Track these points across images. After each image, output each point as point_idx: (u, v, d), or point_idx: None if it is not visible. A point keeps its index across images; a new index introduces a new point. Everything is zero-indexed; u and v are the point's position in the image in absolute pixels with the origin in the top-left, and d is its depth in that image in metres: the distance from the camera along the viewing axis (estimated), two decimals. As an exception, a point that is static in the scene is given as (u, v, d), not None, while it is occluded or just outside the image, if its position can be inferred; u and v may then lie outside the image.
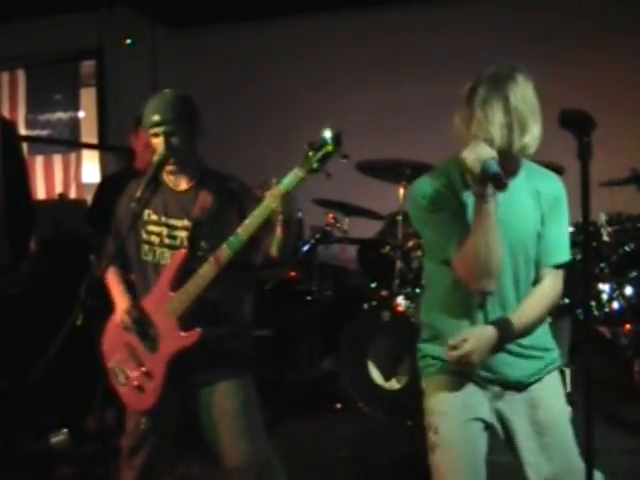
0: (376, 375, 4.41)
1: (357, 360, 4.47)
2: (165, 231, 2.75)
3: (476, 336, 2.26)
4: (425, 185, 2.38)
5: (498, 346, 2.29)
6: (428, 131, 6.26)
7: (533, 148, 2.24)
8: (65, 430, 4.00)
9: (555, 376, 2.46)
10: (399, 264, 4.70)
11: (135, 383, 2.76)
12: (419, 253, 4.85)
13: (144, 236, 2.79)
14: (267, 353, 4.89)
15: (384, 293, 4.79)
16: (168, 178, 2.79)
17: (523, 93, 2.21)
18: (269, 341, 5.02)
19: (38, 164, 7.59)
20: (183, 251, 2.68)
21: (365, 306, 4.65)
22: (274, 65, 6.94)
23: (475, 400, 2.38)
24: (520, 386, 2.39)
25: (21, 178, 4.68)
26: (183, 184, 2.78)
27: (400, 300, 4.50)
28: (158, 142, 2.69)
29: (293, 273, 5.25)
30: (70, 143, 7.69)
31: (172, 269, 2.68)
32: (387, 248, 4.94)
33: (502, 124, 2.17)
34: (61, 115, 7.64)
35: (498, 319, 2.30)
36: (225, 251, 2.55)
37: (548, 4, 6.19)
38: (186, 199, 2.75)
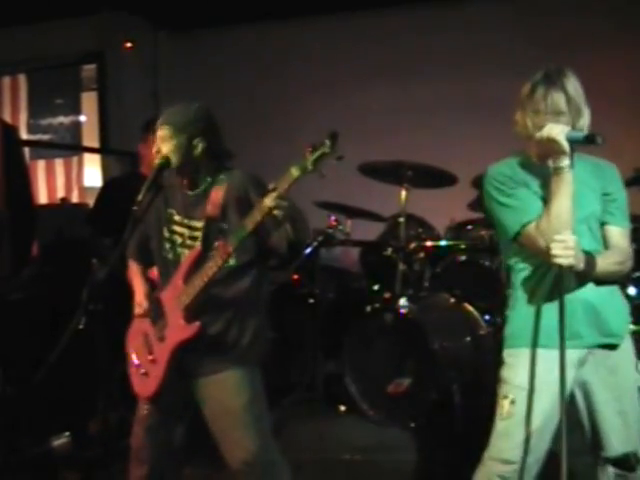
0: (379, 377, 4.40)
1: (360, 362, 4.46)
2: (187, 232, 2.83)
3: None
4: (503, 167, 2.63)
5: (583, 272, 2.42)
6: (429, 133, 6.29)
7: (587, 128, 2.51)
8: (67, 433, 4.00)
9: (629, 342, 2.62)
10: (401, 266, 4.70)
11: (143, 370, 2.85)
12: (421, 255, 4.86)
13: (166, 234, 2.87)
14: (270, 356, 4.87)
15: (387, 295, 4.78)
16: (183, 182, 2.87)
17: (574, 85, 2.52)
18: (272, 344, 5.00)
19: (40, 168, 7.60)
20: (198, 247, 2.75)
21: (368, 308, 4.64)
22: (275, 68, 6.94)
23: (558, 372, 2.45)
24: (616, 340, 2.54)
25: (23, 182, 4.68)
26: (197, 187, 2.85)
27: (403, 302, 4.48)
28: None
29: (296, 276, 5.25)
30: (72, 147, 7.70)
31: (187, 264, 2.75)
32: (389, 250, 4.94)
33: (563, 112, 2.47)
34: (63, 119, 7.65)
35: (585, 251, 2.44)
36: (228, 245, 2.61)
37: (549, 6, 6.18)
38: (202, 200, 2.82)
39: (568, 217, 2.41)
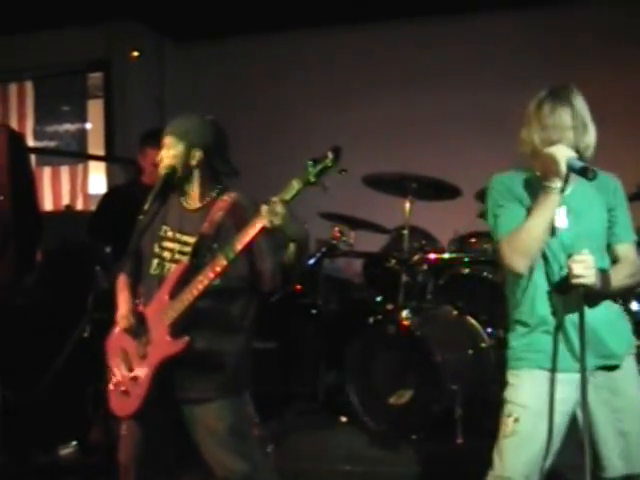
0: (381, 389, 4.40)
1: (362, 374, 4.45)
2: (177, 247, 2.79)
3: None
4: (505, 177, 2.64)
5: (599, 291, 2.44)
6: (433, 145, 6.31)
7: (592, 147, 2.53)
8: (75, 443, 4.00)
9: (632, 362, 2.61)
10: (405, 278, 4.70)
11: (122, 388, 2.77)
12: (425, 267, 4.85)
13: (156, 250, 2.83)
14: (272, 366, 4.88)
15: (389, 307, 4.78)
16: (184, 199, 2.85)
17: (580, 100, 2.53)
18: (274, 354, 5.01)
19: (45, 175, 7.60)
20: (185, 262, 2.70)
21: (370, 320, 4.64)
22: (280, 79, 6.97)
23: (562, 393, 2.48)
24: (616, 361, 2.53)
25: (28, 189, 4.70)
26: (197, 203, 2.83)
27: (405, 314, 4.48)
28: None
29: (298, 286, 5.25)
30: (77, 155, 7.71)
31: (173, 279, 2.70)
32: (393, 262, 4.94)
33: (570, 127, 2.48)
34: (68, 127, 7.67)
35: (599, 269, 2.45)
36: (221, 260, 2.57)
37: (549, 20, 6.22)
38: (199, 217, 2.79)
39: (538, 235, 2.43)
